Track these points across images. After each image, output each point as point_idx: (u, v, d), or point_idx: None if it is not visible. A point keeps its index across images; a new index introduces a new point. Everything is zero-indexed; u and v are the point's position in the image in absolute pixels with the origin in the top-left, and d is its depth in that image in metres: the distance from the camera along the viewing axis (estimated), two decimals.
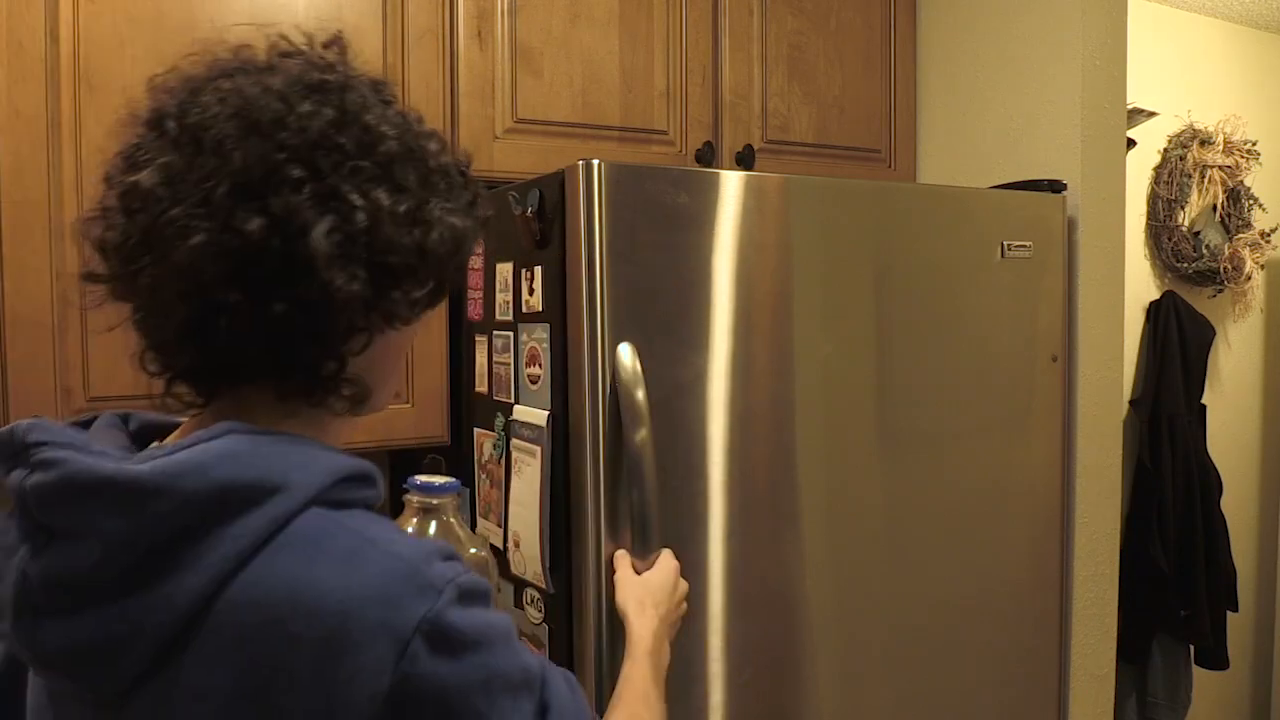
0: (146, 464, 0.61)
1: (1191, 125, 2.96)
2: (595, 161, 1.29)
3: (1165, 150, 2.94)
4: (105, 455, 0.63)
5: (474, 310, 1.62)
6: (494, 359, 1.53)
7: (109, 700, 0.62)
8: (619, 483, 1.29)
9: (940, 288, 1.61)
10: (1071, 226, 1.83)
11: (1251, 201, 3.03)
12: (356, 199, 0.65)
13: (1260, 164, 3.05)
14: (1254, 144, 3.03)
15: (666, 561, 1.24)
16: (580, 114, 1.76)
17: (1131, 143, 2.34)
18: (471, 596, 0.65)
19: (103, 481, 0.60)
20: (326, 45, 0.74)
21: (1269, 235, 3.07)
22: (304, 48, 0.73)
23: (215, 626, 0.60)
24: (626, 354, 1.29)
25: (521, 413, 1.42)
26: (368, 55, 1.58)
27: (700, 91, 1.88)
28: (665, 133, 1.85)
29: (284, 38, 0.73)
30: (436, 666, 0.61)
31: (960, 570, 1.66)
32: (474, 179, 0.76)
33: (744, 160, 1.89)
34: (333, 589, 0.60)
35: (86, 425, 0.74)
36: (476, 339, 1.60)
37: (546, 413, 1.35)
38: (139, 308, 0.69)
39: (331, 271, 0.64)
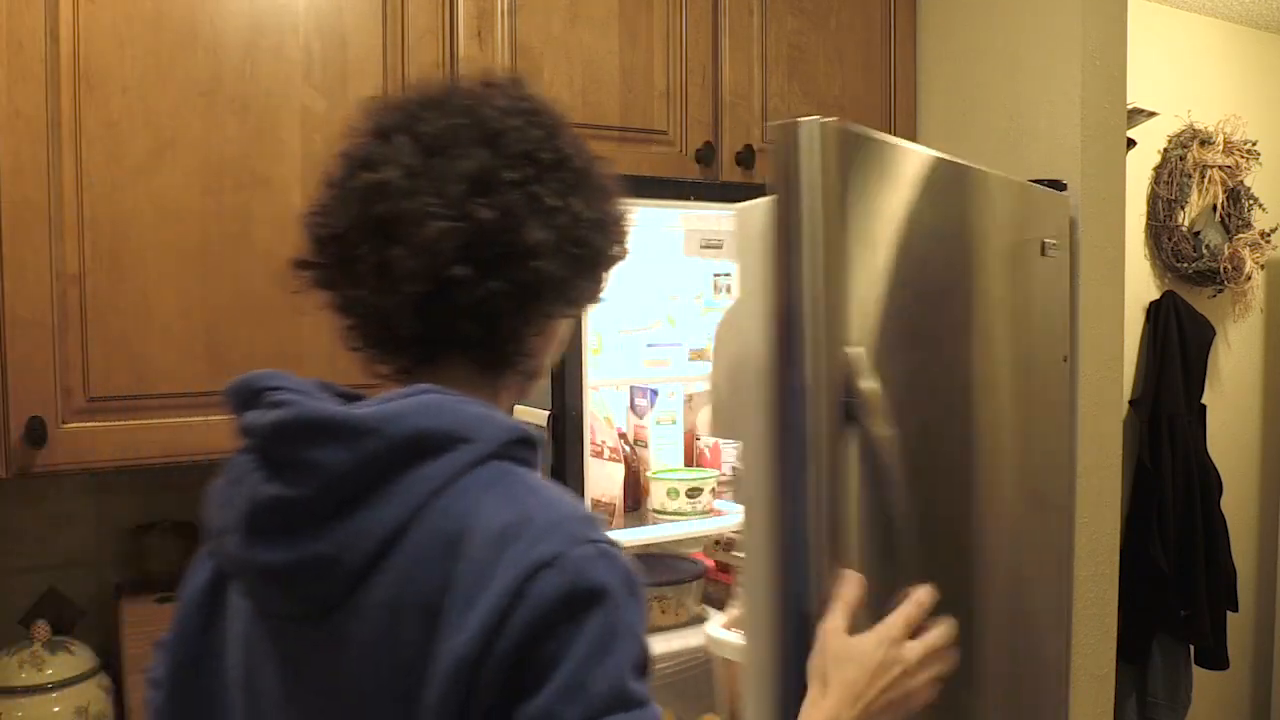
0: (361, 409, 0.73)
1: (1191, 125, 2.96)
2: (820, 119, 1.01)
3: (1165, 150, 2.94)
4: (328, 402, 0.76)
5: None
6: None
7: (312, 614, 0.72)
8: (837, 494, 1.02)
9: (1003, 280, 1.54)
10: (1072, 226, 1.83)
11: (1251, 201, 3.03)
12: (558, 202, 0.79)
13: (1260, 164, 3.05)
14: (1254, 144, 3.03)
15: (890, 625, 0.91)
16: (580, 114, 1.76)
17: (1131, 143, 2.34)
18: (610, 559, 0.71)
19: (330, 420, 0.72)
20: (512, 81, 0.88)
21: (1269, 235, 3.07)
22: (498, 80, 0.87)
23: (404, 550, 0.70)
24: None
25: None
26: (368, 55, 1.58)
27: (700, 91, 1.88)
28: (665, 133, 1.85)
29: (486, 73, 0.88)
30: (553, 609, 0.67)
31: (984, 569, 1.64)
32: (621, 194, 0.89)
33: (744, 160, 1.89)
34: (501, 520, 0.70)
35: None
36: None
37: (547, 413, 1.35)
38: (356, 289, 0.80)
39: (543, 259, 0.77)
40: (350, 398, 0.83)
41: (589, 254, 0.82)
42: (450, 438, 0.73)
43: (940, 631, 0.93)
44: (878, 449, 1.02)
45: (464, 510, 0.71)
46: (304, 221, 0.83)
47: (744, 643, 1.07)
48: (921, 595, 0.94)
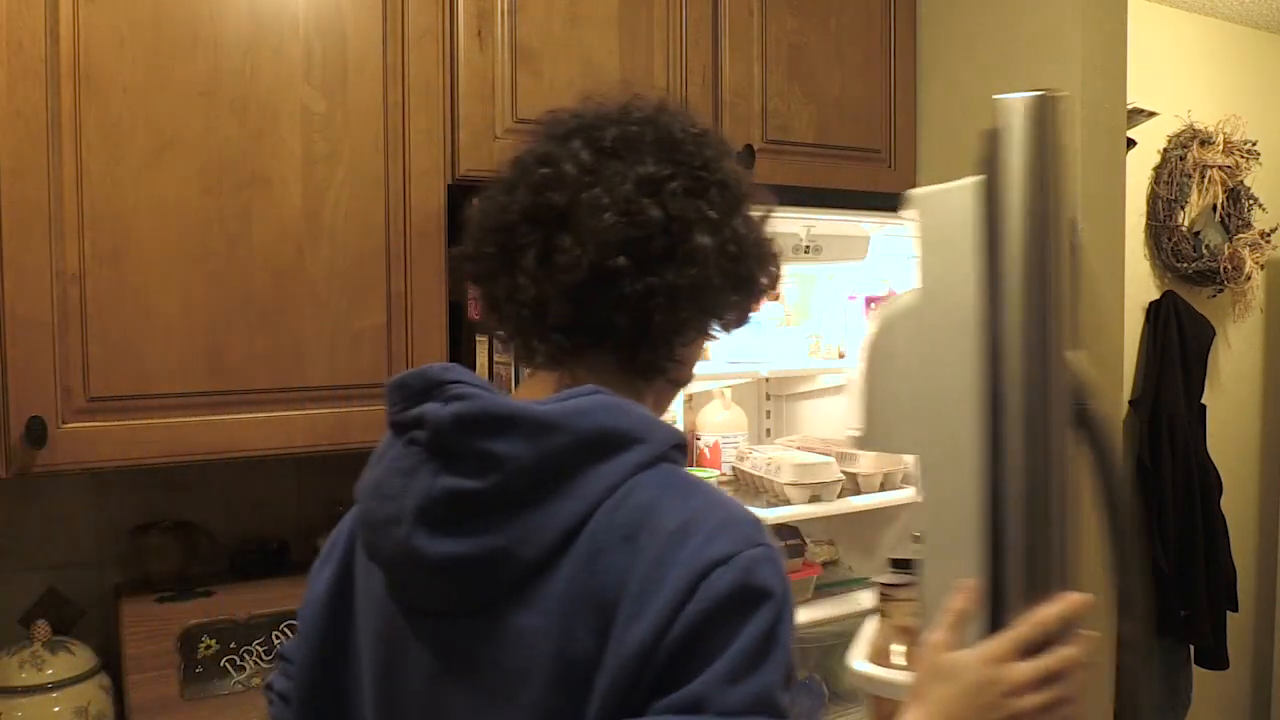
0: (541, 405, 0.74)
1: (1191, 125, 2.96)
2: (1054, 92, 0.94)
3: (1165, 150, 2.94)
4: (505, 395, 0.77)
5: (474, 310, 1.62)
6: (494, 359, 1.53)
7: (475, 607, 0.73)
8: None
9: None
10: (1071, 227, 1.82)
11: (1251, 201, 3.03)
12: (721, 218, 0.82)
13: (1260, 164, 3.04)
14: (1254, 144, 3.03)
15: (998, 642, 0.83)
16: None
17: (1131, 143, 2.34)
18: (776, 564, 0.72)
19: (514, 414, 0.73)
20: (684, 108, 0.92)
21: (1269, 235, 3.07)
22: (672, 105, 0.90)
23: (581, 545, 0.71)
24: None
25: None
26: (368, 55, 1.58)
27: (700, 91, 1.88)
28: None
29: (661, 99, 0.91)
30: (722, 604, 0.68)
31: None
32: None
33: (744, 160, 1.89)
34: (676, 518, 0.71)
35: None
36: (477, 339, 1.60)
37: None
38: (516, 277, 0.82)
39: (701, 266, 0.80)
40: None
41: (743, 273, 0.85)
42: (628, 437, 0.75)
43: (1063, 655, 0.83)
44: (1108, 457, 0.95)
45: (640, 507, 0.72)
46: (470, 215, 0.87)
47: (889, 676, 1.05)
48: (1043, 614, 0.84)
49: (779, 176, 1.92)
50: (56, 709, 1.46)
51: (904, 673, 1.13)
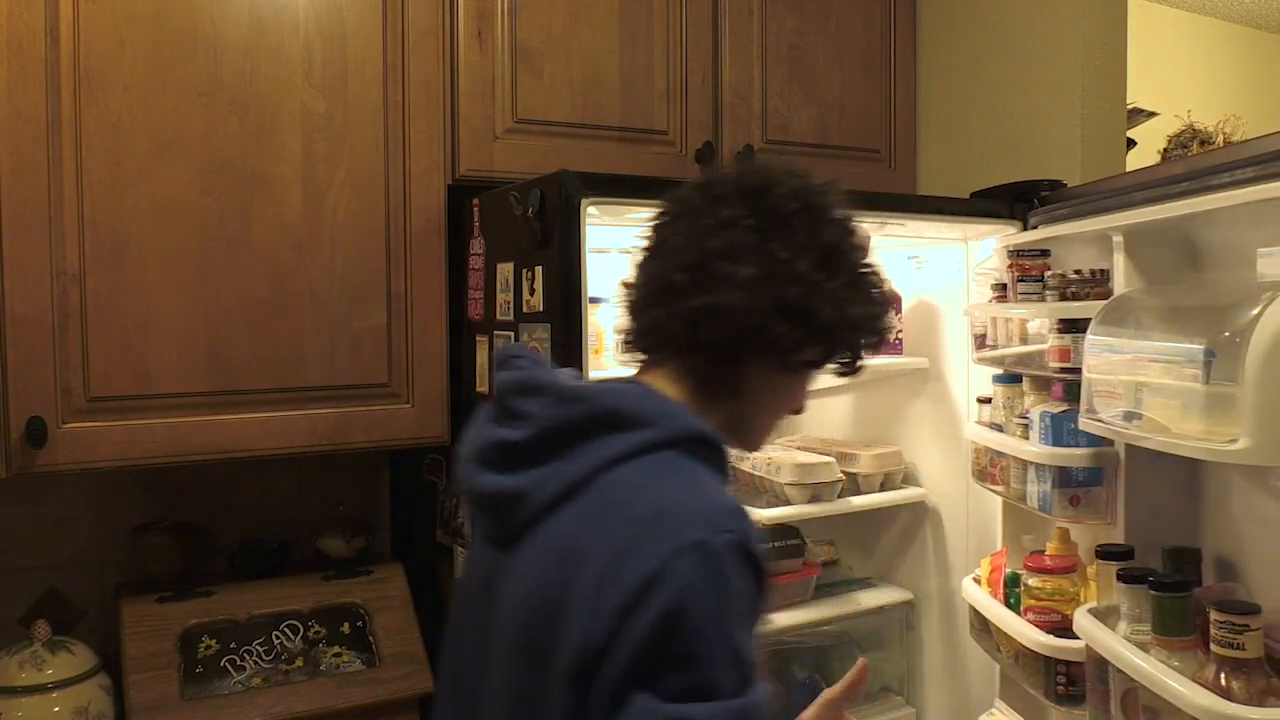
0: (577, 382, 0.90)
1: (1191, 125, 2.96)
2: None
3: (1165, 150, 2.94)
4: (551, 372, 0.92)
5: (474, 310, 1.62)
6: (495, 359, 1.53)
7: (506, 538, 0.86)
8: None
9: None
10: None
11: None
12: (784, 255, 0.90)
13: None
14: None
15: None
16: (580, 114, 1.76)
17: (1131, 143, 2.34)
18: (747, 555, 0.77)
19: (544, 383, 0.88)
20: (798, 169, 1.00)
21: None
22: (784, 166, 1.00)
23: (576, 503, 0.82)
24: None
25: None
26: (368, 55, 1.58)
27: (700, 91, 1.88)
28: (665, 133, 1.85)
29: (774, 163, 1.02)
30: (692, 583, 0.74)
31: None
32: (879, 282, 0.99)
33: (744, 160, 1.89)
34: (659, 500, 0.80)
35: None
36: (477, 339, 1.60)
37: None
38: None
39: (742, 291, 0.88)
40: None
41: (804, 312, 0.90)
42: (635, 419, 0.85)
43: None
44: None
45: (630, 484, 0.82)
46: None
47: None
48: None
49: None
50: (56, 709, 1.46)
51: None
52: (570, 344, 1.36)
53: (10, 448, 1.34)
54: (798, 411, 1.03)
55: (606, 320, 1.70)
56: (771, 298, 0.90)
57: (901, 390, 2.06)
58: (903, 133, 2.14)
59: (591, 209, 1.38)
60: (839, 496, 1.90)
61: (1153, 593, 1.18)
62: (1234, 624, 1.07)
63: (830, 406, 2.27)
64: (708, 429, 0.89)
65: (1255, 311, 1.03)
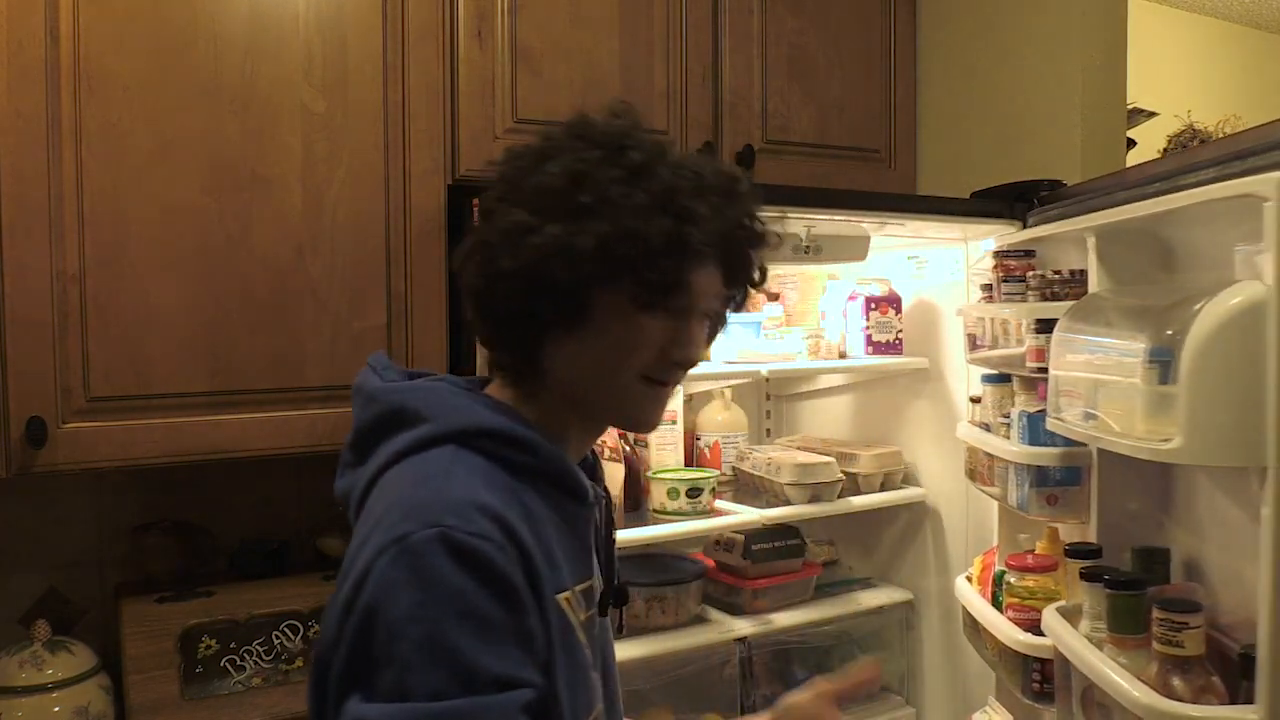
0: (382, 383, 0.90)
1: (1191, 125, 2.96)
2: None
3: (1165, 150, 2.94)
4: (380, 378, 0.91)
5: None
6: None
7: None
8: None
9: None
10: None
11: None
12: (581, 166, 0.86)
13: None
14: None
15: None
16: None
17: (1131, 143, 2.34)
18: (458, 553, 0.72)
19: (360, 387, 0.91)
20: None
21: None
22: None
23: (368, 503, 0.82)
24: None
25: None
26: (368, 55, 1.58)
27: (700, 91, 1.88)
28: (665, 133, 1.85)
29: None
30: (386, 581, 0.72)
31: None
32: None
33: (744, 160, 1.89)
34: (396, 494, 0.79)
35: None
36: (477, 339, 1.60)
37: None
38: None
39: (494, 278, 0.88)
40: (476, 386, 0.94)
41: (542, 266, 0.82)
42: (416, 416, 0.84)
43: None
44: None
45: (391, 482, 0.81)
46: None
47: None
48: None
49: (779, 176, 1.92)
50: (56, 709, 1.46)
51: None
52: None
53: (10, 448, 1.34)
54: (691, 361, 0.88)
55: None
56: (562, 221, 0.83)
57: (901, 390, 2.06)
58: (902, 133, 2.14)
59: None
60: (839, 496, 1.90)
61: (1106, 591, 1.19)
62: (1173, 621, 1.07)
63: (830, 406, 2.27)
64: (494, 422, 0.83)
65: (1194, 309, 1.04)
